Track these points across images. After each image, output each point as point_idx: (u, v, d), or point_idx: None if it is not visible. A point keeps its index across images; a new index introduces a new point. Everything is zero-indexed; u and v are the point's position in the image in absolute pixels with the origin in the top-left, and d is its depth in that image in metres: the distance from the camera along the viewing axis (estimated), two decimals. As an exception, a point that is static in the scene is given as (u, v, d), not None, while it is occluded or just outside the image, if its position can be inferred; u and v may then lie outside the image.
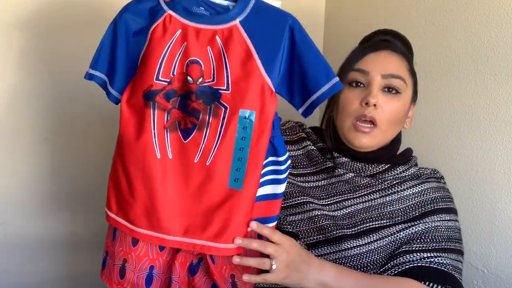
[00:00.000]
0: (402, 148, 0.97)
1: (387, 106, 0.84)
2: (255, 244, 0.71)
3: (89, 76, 0.75)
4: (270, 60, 0.71)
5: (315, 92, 0.72)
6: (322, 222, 0.84)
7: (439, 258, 0.80)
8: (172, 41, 0.71)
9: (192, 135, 0.71)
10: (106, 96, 0.77)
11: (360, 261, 0.81)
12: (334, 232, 0.83)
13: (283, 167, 0.77)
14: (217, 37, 0.71)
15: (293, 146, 0.95)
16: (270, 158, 0.76)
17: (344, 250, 0.82)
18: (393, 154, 0.93)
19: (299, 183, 0.90)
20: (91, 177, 1.24)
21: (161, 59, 0.71)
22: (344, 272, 0.76)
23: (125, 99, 0.74)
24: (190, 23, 0.72)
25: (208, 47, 0.71)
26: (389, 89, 0.85)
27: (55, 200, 1.22)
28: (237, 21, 0.71)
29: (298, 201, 0.86)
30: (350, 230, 0.84)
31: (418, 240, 0.82)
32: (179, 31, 0.71)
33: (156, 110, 0.71)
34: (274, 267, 0.71)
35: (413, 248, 0.81)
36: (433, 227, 0.83)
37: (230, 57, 0.71)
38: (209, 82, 0.71)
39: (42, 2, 1.10)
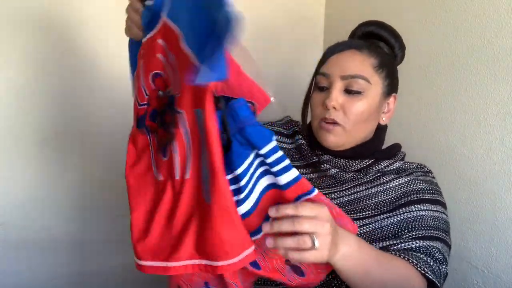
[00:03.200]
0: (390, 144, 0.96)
1: (349, 107, 0.85)
2: (286, 226, 0.61)
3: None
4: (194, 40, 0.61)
5: None
6: None
7: (427, 242, 0.78)
8: (139, 63, 0.69)
9: (167, 151, 0.65)
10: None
11: None
12: None
13: (269, 160, 0.63)
14: (158, 40, 0.64)
15: (288, 140, 0.98)
16: (252, 155, 0.64)
17: None
18: (376, 150, 0.93)
19: None
20: (91, 177, 1.24)
21: (137, 85, 0.69)
22: (362, 242, 0.70)
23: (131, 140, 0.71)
24: (147, 36, 0.67)
25: (158, 54, 0.65)
26: (351, 90, 0.85)
27: (54, 200, 1.22)
28: (164, 15, 0.64)
29: None
30: None
31: (406, 231, 0.80)
32: (142, 51, 0.68)
33: (150, 135, 0.69)
34: (316, 244, 0.61)
35: (401, 240, 0.79)
36: (418, 216, 0.82)
37: (175, 54, 0.62)
38: (172, 90, 0.66)
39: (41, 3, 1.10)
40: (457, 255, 1.08)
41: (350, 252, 0.66)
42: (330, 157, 0.90)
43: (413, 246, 0.78)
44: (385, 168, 0.90)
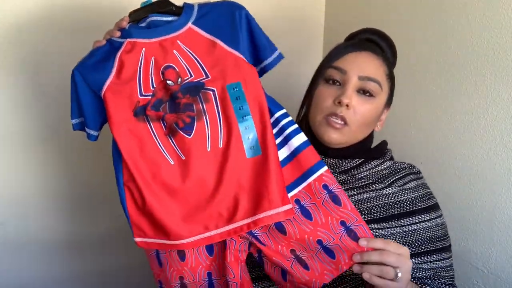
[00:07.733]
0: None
1: (359, 108, 0.85)
2: (375, 257, 0.72)
3: (74, 127, 0.82)
4: (233, 39, 0.77)
5: (264, 61, 0.79)
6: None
7: (423, 264, 0.82)
8: (141, 59, 0.76)
9: (194, 128, 0.74)
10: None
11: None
12: None
13: (282, 123, 0.78)
14: (178, 41, 0.77)
15: None
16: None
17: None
18: (366, 149, 0.93)
19: None
20: (92, 177, 1.24)
21: (138, 77, 0.76)
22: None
23: (121, 121, 0.76)
24: (150, 40, 0.77)
25: (174, 50, 0.77)
26: (364, 92, 0.85)
27: (55, 199, 1.22)
28: (189, 24, 0.78)
29: None
30: None
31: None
32: (143, 49, 0.76)
33: (151, 123, 0.75)
34: (399, 275, 0.71)
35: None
36: (411, 230, 0.84)
37: (197, 52, 0.77)
38: (188, 79, 0.76)
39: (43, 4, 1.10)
40: (457, 255, 1.08)
41: None
42: (321, 156, 0.89)
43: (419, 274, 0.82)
44: (375, 168, 0.90)
